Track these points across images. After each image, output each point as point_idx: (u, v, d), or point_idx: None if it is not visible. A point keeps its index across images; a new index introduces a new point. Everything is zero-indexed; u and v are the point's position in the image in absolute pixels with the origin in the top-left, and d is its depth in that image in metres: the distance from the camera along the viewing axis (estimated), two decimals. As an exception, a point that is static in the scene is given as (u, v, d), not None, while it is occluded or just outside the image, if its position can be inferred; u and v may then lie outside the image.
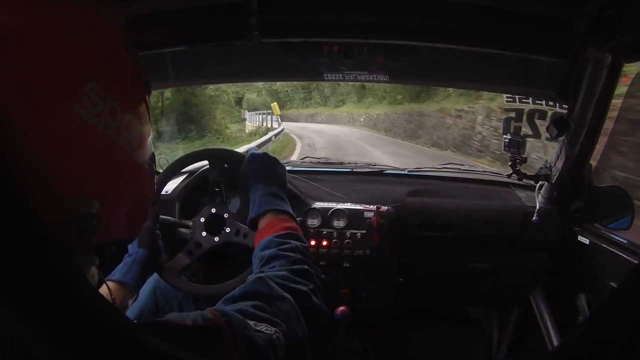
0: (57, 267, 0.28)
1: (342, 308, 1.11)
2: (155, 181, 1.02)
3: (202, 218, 1.00)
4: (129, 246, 0.91)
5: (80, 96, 0.32)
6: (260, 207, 0.79)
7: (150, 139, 0.45)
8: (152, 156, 0.45)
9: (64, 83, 0.31)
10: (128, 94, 0.39)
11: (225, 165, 1.03)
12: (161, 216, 1.05)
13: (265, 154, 0.90)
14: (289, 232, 0.72)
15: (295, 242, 0.69)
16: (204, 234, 0.99)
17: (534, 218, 1.21)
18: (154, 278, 0.99)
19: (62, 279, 0.28)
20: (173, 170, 1.04)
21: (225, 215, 1.00)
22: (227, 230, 0.99)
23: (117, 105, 0.36)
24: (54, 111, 0.31)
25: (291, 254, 0.65)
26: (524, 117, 1.17)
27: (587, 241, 1.12)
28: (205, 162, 1.07)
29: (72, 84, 0.32)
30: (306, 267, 0.63)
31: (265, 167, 0.87)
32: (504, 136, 1.19)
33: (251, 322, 0.47)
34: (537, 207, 1.21)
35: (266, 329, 0.48)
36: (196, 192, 1.14)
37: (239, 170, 0.90)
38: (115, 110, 0.36)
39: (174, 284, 0.95)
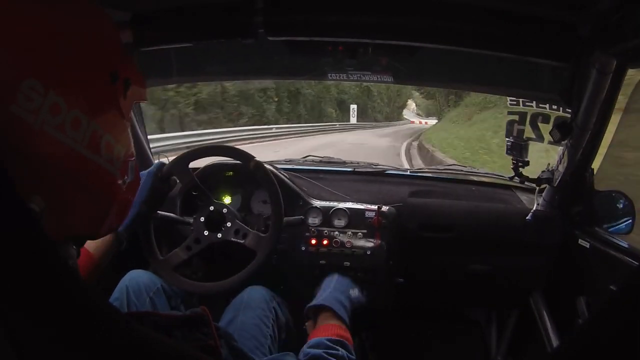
0: (43, 257, 0.28)
1: None
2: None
3: (203, 216, 1.00)
4: (137, 196, 0.93)
5: (14, 94, 0.31)
6: (330, 301, 0.87)
7: (121, 132, 0.43)
8: (121, 151, 0.43)
9: None
10: (79, 90, 0.37)
11: None
12: (162, 213, 1.05)
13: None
14: (341, 339, 0.76)
15: (343, 351, 0.72)
16: (206, 232, 0.99)
17: (527, 218, 1.21)
18: (127, 276, 0.99)
19: (48, 269, 0.28)
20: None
21: (226, 212, 1.01)
22: (228, 227, 1.00)
23: (61, 102, 0.34)
24: None
25: None
26: (527, 120, 1.17)
27: (587, 245, 1.12)
28: (208, 159, 1.08)
29: (5, 81, 0.31)
30: None
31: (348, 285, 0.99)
32: (507, 139, 1.19)
33: None
34: (534, 209, 1.22)
35: None
36: (197, 190, 1.14)
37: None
38: (59, 107, 0.34)
39: (168, 280, 0.96)
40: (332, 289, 0.93)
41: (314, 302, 0.88)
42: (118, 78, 0.43)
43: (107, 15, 0.43)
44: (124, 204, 0.45)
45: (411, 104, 46.44)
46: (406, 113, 43.22)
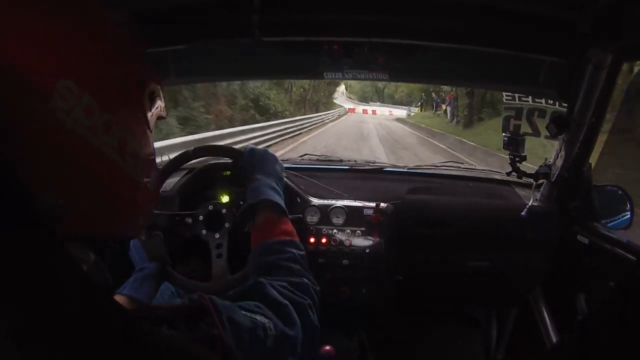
0: (47, 257, 0.28)
1: (327, 348, 1.11)
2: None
3: (204, 229, 1.00)
4: (138, 260, 0.91)
5: (51, 92, 0.33)
6: (258, 195, 0.80)
7: (145, 141, 0.44)
8: (144, 159, 0.44)
9: (35, 79, 0.32)
10: (112, 96, 0.39)
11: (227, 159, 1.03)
12: (163, 213, 1.05)
13: (265, 150, 0.93)
14: (289, 239, 0.73)
15: (295, 250, 0.70)
16: (217, 235, 0.98)
17: (522, 213, 1.21)
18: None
19: (53, 269, 0.28)
20: (172, 167, 1.04)
21: (211, 209, 1.01)
22: (227, 225, 1.00)
23: (94, 105, 0.36)
24: (21, 106, 0.32)
25: (291, 265, 0.67)
26: (524, 116, 1.17)
27: (586, 240, 1.12)
28: (205, 158, 1.07)
29: (43, 81, 0.33)
30: (305, 280, 0.65)
31: (265, 160, 0.89)
32: (503, 134, 1.20)
33: (244, 312, 0.49)
34: (529, 204, 1.22)
35: (259, 317, 0.50)
36: (196, 189, 1.14)
37: (239, 162, 0.93)
38: (92, 109, 0.36)
39: (228, 288, 0.94)
40: (262, 181, 0.84)
41: (250, 200, 0.81)
42: (146, 89, 0.45)
43: (133, 30, 0.46)
44: (144, 213, 0.47)
45: (340, 86, 34.50)
46: (335, 97, 31.54)
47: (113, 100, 0.39)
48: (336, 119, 20.68)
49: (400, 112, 30.46)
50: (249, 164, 0.89)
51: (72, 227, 0.36)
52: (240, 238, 1.00)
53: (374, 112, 30.56)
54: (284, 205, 0.81)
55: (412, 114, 27.60)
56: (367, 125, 17.94)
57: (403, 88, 32.57)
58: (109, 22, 0.41)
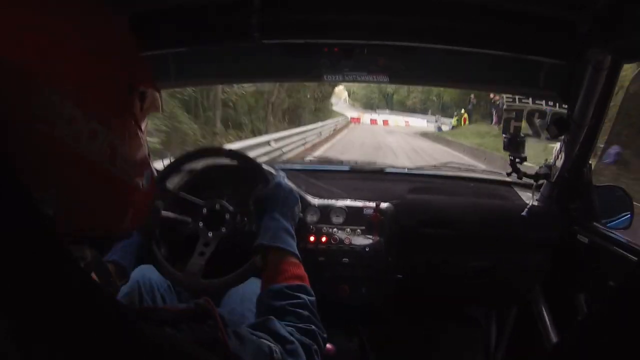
0: (49, 257, 0.29)
1: (327, 346, 1.12)
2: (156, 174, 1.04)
3: (200, 220, 1.00)
4: None
5: (33, 103, 0.33)
6: (274, 240, 0.80)
7: (136, 143, 0.44)
8: (136, 160, 0.44)
9: (19, 86, 0.32)
10: (96, 102, 0.38)
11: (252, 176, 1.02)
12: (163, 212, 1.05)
13: (292, 189, 0.93)
14: (300, 284, 0.73)
15: (305, 297, 0.70)
16: (210, 234, 0.99)
17: (522, 213, 1.21)
18: (138, 272, 0.99)
19: (55, 269, 0.29)
20: (201, 155, 1.09)
21: (219, 208, 1.01)
22: (228, 219, 1.00)
23: (78, 114, 0.36)
24: (5, 113, 0.31)
25: (300, 311, 0.67)
26: (524, 117, 1.17)
27: (586, 240, 1.12)
28: (212, 160, 1.08)
29: (26, 89, 0.32)
30: (313, 327, 0.65)
31: (288, 201, 0.89)
32: (503, 135, 1.20)
33: (250, 332, 0.50)
34: (530, 204, 1.22)
35: (265, 341, 0.51)
36: (197, 188, 1.14)
37: (261, 190, 0.92)
38: (76, 118, 0.35)
39: (197, 290, 0.94)
40: (279, 223, 0.84)
41: (263, 240, 0.80)
42: (134, 89, 0.44)
43: (125, 25, 0.44)
44: (140, 210, 0.47)
45: (342, 92, 28.98)
46: (336, 103, 24.13)
47: (100, 107, 0.38)
48: (328, 138, 12.24)
49: (419, 122, 22.79)
50: (272, 199, 0.88)
51: (63, 226, 0.36)
52: (229, 248, 1.00)
53: (385, 122, 23.50)
54: (297, 251, 0.80)
55: (444, 125, 19.52)
56: (392, 157, 9.24)
57: (417, 93, 27.02)
58: (98, 30, 0.40)
